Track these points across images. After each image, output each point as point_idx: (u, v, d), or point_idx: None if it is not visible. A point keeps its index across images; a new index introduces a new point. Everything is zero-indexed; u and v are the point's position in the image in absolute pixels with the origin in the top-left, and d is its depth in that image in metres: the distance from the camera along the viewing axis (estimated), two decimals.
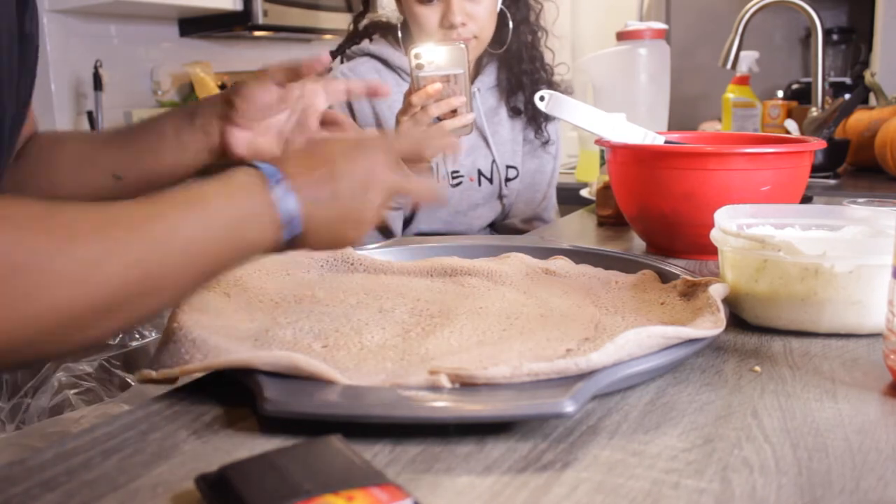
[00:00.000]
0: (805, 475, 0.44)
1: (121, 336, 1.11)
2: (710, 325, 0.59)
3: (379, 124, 1.35)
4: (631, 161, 0.98)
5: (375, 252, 0.87)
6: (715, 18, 2.74)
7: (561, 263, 0.83)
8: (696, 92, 2.74)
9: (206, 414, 0.52)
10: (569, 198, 1.59)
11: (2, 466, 0.45)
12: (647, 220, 0.99)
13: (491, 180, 1.40)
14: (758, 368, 0.60)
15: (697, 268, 0.91)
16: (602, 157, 1.22)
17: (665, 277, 0.77)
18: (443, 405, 0.49)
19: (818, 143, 0.97)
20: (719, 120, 2.53)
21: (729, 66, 1.96)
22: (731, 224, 0.73)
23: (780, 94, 2.57)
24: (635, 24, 1.69)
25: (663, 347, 0.56)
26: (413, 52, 1.05)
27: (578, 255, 0.85)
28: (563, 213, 1.57)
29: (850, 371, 0.59)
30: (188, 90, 2.82)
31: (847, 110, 1.77)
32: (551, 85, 1.42)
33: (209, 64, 2.81)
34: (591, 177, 1.64)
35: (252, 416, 0.52)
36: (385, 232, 1.33)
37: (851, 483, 0.43)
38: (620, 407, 0.53)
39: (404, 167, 0.64)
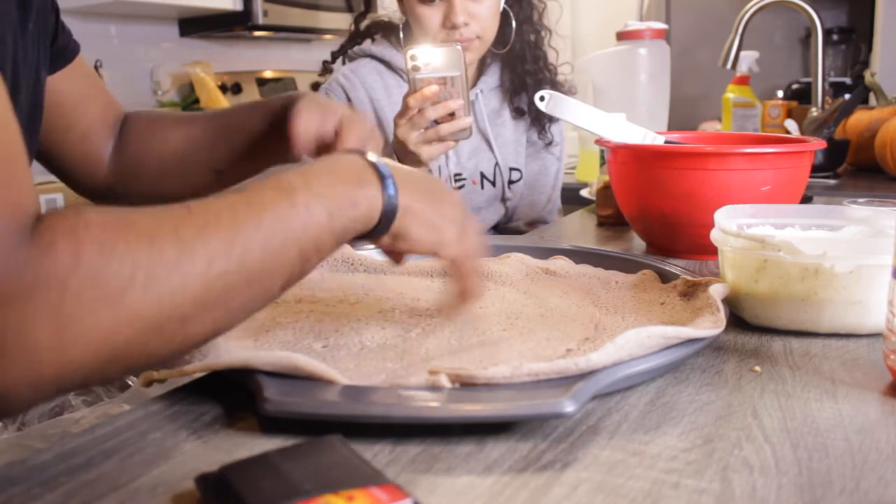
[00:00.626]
0: (805, 475, 0.44)
1: None
2: (710, 325, 0.59)
3: (380, 127, 1.35)
4: (631, 161, 0.98)
5: (375, 252, 0.87)
6: (715, 18, 2.73)
7: (561, 263, 0.83)
8: (696, 92, 2.74)
9: (206, 414, 0.52)
10: (569, 198, 1.59)
11: (2, 466, 0.45)
12: (647, 220, 1.00)
13: (494, 183, 1.40)
14: (758, 368, 0.60)
15: (697, 268, 0.91)
16: (602, 157, 1.22)
17: (665, 277, 0.77)
18: (443, 405, 0.49)
19: (818, 143, 0.97)
20: (719, 120, 2.53)
21: (729, 66, 1.96)
22: (731, 224, 0.73)
23: (780, 94, 2.57)
24: (635, 24, 1.69)
25: (663, 347, 0.56)
26: (409, 53, 1.04)
27: (578, 255, 0.85)
28: (563, 213, 1.57)
29: (850, 371, 0.59)
30: (188, 90, 2.82)
31: (847, 110, 1.77)
32: (555, 85, 1.41)
33: (209, 64, 2.82)
34: (591, 177, 1.64)
35: (252, 416, 0.52)
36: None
37: (851, 483, 0.43)
38: (620, 407, 0.53)
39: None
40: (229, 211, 0.48)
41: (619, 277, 0.79)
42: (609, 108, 1.32)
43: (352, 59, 1.43)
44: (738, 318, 0.71)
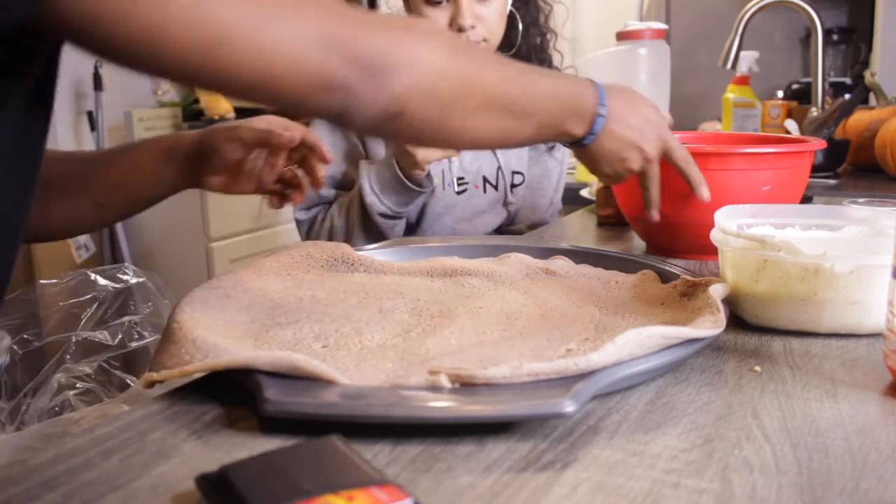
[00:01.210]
0: (805, 475, 0.44)
1: (119, 337, 1.11)
2: (710, 325, 0.59)
3: None
4: None
5: (375, 252, 0.87)
6: (715, 18, 2.73)
7: (561, 263, 0.83)
8: (696, 92, 2.74)
9: (206, 414, 0.52)
10: (569, 198, 1.59)
11: (2, 466, 0.45)
12: (647, 220, 0.99)
13: (496, 187, 1.40)
14: (758, 368, 0.60)
15: (697, 268, 0.91)
16: None
17: (665, 277, 0.77)
18: (443, 405, 0.49)
19: (818, 144, 0.97)
20: (719, 120, 2.53)
21: (729, 66, 1.96)
22: (731, 224, 0.73)
23: (780, 94, 2.57)
24: (635, 24, 1.69)
25: (663, 347, 0.56)
26: None
27: (578, 255, 0.85)
28: (563, 213, 1.57)
29: (850, 371, 0.59)
30: (188, 90, 2.81)
31: (847, 110, 1.77)
32: None
33: None
34: (591, 177, 1.63)
35: (252, 416, 0.52)
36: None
37: (851, 483, 0.43)
38: (620, 407, 0.53)
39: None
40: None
41: (619, 277, 0.79)
42: None
43: None
44: (738, 318, 0.71)
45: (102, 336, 1.10)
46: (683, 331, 0.56)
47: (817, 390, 0.56)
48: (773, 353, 0.64)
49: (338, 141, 1.29)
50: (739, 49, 1.93)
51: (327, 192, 1.30)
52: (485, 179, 1.38)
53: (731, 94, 2.44)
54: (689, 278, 0.72)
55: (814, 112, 1.93)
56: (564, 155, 1.49)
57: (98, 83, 2.44)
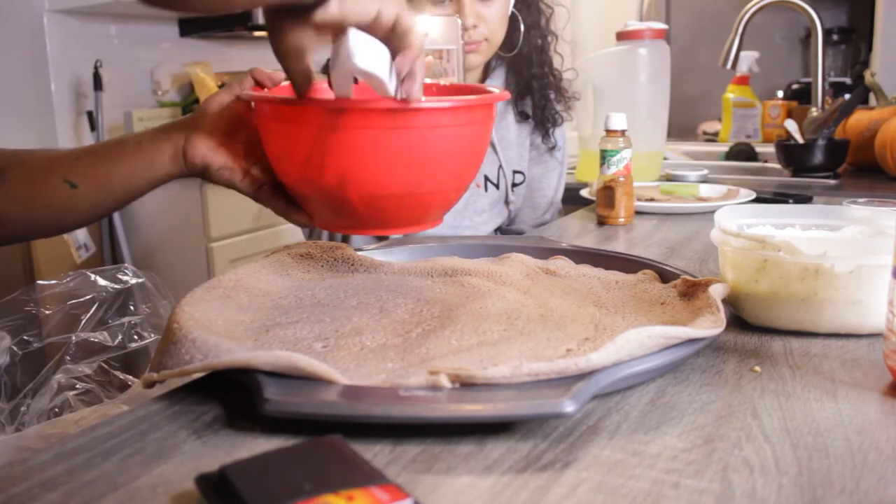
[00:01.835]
0: (805, 475, 0.44)
1: (119, 337, 1.11)
2: (710, 325, 0.59)
3: None
4: (275, 119, 0.72)
5: (375, 252, 0.87)
6: (715, 18, 2.74)
7: (561, 263, 0.83)
8: (696, 92, 2.74)
9: (206, 414, 0.52)
10: (569, 198, 1.59)
11: (2, 466, 0.45)
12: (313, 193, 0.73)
13: (497, 185, 1.40)
14: (758, 368, 0.60)
15: (698, 268, 0.91)
16: (602, 157, 1.21)
17: (665, 277, 0.77)
18: (443, 405, 0.49)
19: (503, 95, 0.75)
20: (719, 120, 2.53)
21: (729, 66, 1.96)
22: (731, 224, 0.73)
23: (780, 94, 2.57)
24: (635, 24, 1.69)
25: (663, 347, 0.56)
26: None
27: (578, 255, 0.85)
28: (563, 213, 1.57)
29: (850, 371, 0.59)
30: (188, 90, 2.82)
31: (847, 110, 1.77)
32: (559, 90, 1.41)
33: (209, 64, 2.81)
34: (591, 177, 1.63)
35: (252, 416, 0.52)
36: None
37: (851, 483, 0.43)
38: (620, 407, 0.53)
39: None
40: None
41: (619, 277, 0.79)
42: (609, 108, 1.32)
43: None
44: (738, 318, 0.71)
45: (102, 337, 1.10)
46: (683, 331, 0.56)
47: (817, 390, 0.56)
48: (773, 353, 0.64)
49: None
50: (739, 49, 1.94)
51: None
52: (486, 178, 1.38)
53: (731, 94, 2.44)
54: (689, 278, 0.72)
55: (814, 112, 1.93)
56: (565, 155, 1.49)
57: (98, 83, 2.44)
